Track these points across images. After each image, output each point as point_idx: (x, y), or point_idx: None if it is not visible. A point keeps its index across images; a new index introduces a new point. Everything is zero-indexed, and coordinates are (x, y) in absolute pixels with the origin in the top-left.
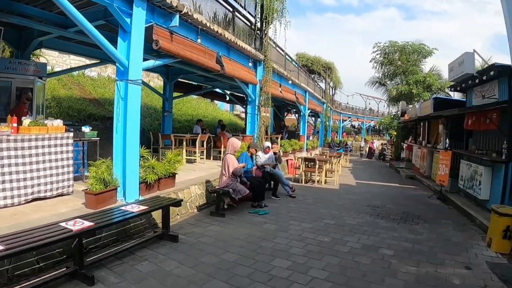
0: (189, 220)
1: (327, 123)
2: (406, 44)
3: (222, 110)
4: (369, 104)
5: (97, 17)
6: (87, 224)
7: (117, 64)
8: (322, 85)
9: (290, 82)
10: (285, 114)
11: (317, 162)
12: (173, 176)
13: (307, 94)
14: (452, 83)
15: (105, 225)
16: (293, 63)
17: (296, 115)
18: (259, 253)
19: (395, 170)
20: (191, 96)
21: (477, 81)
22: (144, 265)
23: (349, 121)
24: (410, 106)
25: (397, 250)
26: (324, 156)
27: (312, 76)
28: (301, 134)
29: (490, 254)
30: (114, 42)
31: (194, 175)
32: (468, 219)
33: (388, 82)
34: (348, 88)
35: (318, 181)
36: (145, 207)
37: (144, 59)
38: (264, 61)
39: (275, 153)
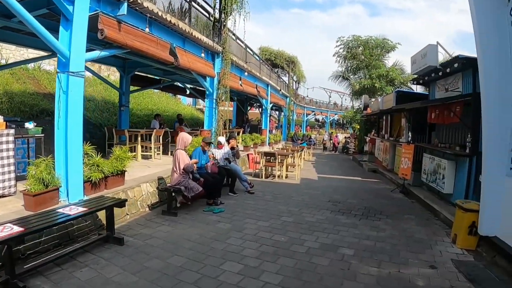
0: (139, 220)
1: (291, 117)
2: (370, 39)
3: (185, 104)
4: (331, 97)
5: (39, 5)
6: (16, 229)
7: (58, 55)
8: (286, 79)
9: (246, 74)
10: (249, 108)
11: (278, 156)
12: (122, 173)
13: (269, 87)
14: (414, 76)
15: (36, 230)
16: (255, 56)
17: (260, 109)
18: (209, 255)
19: (358, 163)
20: (152, 91)
21: (440, 73)
22: (84, 272)
23: (313, 115)
24: (373, 99)
25: (358, 249)
26: (286, 150)
27: (276, 70)
28: (263, 128)
29: (455, 251)
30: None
31: (148, 172)
32: (432, 213)
33: (351, 76)
34: (313, 83)
35: (278, 176)
36: (84, 209)
37: (90, 50)
38: (222, 53)
39: (233, 148)
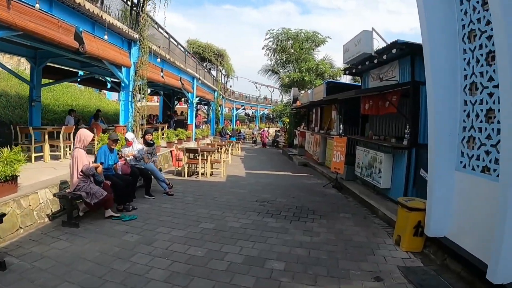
0: (34, 234)
1: (219, 111)
2: (300, 32)
3: (110, 99)
4: (260, 90)
5: None
6: None
7: None
8: (215, 73)
9: (169, 65)
10: (177, 103)
11: (201, 152)
12: (12, 179)
13: (195, 80)
14: (347, 66)
15: None
16: (180, 47)
17: (187, 103)
18: (106, 280)
19: (288, 157)
20: (74, 85)
21: (376, 61)
22: None
23: (243, 109)
24: (302, 92)
25: (289, 262)
26: (211, 146)
27: (205, 64)
28: (189, 122)
29: (400, 255)
30: None
31: (53, 175)
32: (369, 210)
33: (280, 70)
34: (243, 78)
35: (202, 174)
36: None
37: None
38: (139, 41)
39: (150, 145)
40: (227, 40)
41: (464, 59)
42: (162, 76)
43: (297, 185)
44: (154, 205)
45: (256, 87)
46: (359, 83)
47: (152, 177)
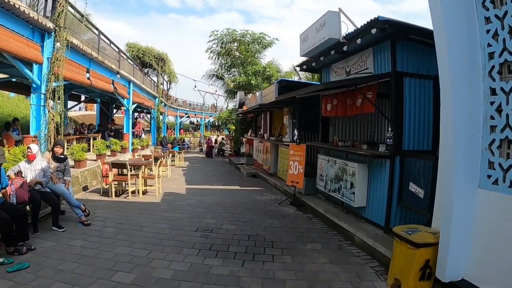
0: None
1: (161, 119)
2: (245, 33)
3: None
4: (202, 97)
5: None
6: None
7: None
8: (156, 79)
9: (97, 65)
10: (120, 112)
11: (129, 167)
12: None
13: (131, 85)
14: (298, 63)
15: None
16: (113, 46)
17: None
18: None
19: (235, 167)
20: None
21: (345, 48)
22: None
23: (187, 117)
24: (249, 95)
25: None
26: (146, 158)
27: (146, 70)
28: (125, 132)
29: None
30: None
31: None
32: (341, 235)
33: (225, 75)
34: (188, 86)
35: (134, 193)
36: None
37: None
38: (55, 32)
39: (60, 160)
40: (173, 49)
41: (488, 31)
42: (89, 78)
43: (247, 203)
44: (60, 242)
45: (201, 94)
46: (319, 82)
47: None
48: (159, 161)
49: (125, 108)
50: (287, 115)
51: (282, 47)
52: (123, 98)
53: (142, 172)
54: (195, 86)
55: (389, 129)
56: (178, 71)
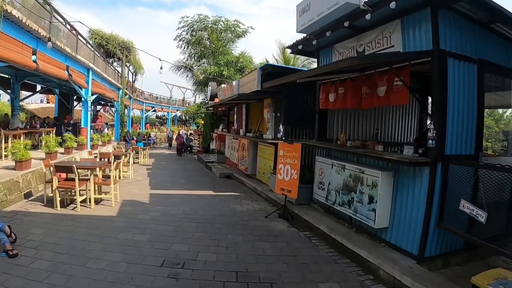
0: None
1: (125, 112)
2: (218, 20)
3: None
4: (170, 91)
5: None
6: None
7: None
8: (121, 69)
9: (48, 46)
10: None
11: (78, 170)
12: None
13: (91, 73)
14: (298, 41)
15: None
16: (68, 26)
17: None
18: None
19: (205, 166)
20: None
21: (368, 16)
22: None
23: (153, 111)
24: (223, 85)
25: None
26: (101, 157)
27: (111, 61)
28: (82, 126)
29: None
30: None
31: None
32: (357, 264)
33: (195, 67)
34: (155, 79)
35: (84, 202)
36: None
37: None
38: None
39: None
40: (140, 43)
41: None
42: (35, 61)
43: (226, 215)
44: None
45: (168, 87)
46: (303, 70)
47: None
48: (115, 162)
49: (82, 99)
50: (268, 108)
51: (252, 44)
52: (80, 88)
53: (96, 176)
54: (161, 68)
55: (430, 125)
56: (146, 65)
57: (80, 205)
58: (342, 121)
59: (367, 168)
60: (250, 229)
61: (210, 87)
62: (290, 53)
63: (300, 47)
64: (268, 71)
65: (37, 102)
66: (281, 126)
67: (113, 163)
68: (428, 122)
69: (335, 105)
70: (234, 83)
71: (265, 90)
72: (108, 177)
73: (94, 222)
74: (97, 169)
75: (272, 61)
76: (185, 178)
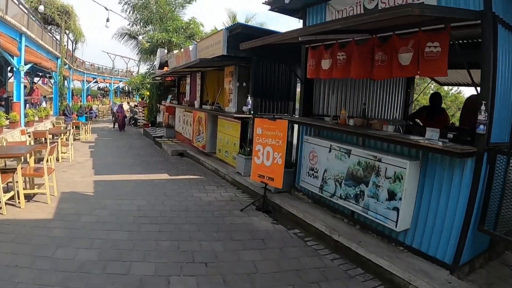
0: None
1: (65, 84)
2: None
3: None
4: (112, 61)
5: None
6: None
7: None
8: (60, 37)
9: None
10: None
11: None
12: None
13: (23, 38)
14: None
15: None
16: None
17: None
18: None
19: (153, 142)
20: None
21: None
22: None
23: (95, 82)
24: (175, 52)
25: None
26: (35, 137)
27: (49, 28)
28: (15, 100)
29: None
30: None
31: None
32: (378, 278)
33: (140, 35)
34: (96, 48)
35: (13, 199)
36: None
37: None
38: None
39: None
40: (85, 13)
41: None
42: None
43: (192, 211)
44: None
45: (110, 57)
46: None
47: None
48: (50, 146)
49: (14, 69)
50: (230, 76)
51: (198, 13)
52: (12, 56)
53: (26, 163)
54: (107, 20)
55: (482, 104)
56: (87, 33)
57: (6, 205)
58: (328, 94)
59: (385, 155)
60: (227, 229)
61: (159, 55)
62: (270, 9)
63: (287, 1)
64: (236, 33)
65: None
66: (249, 97)
67: (49, 144)
68: (483, 104)
69: (330, 74)
70: (190, 47)
71: (232, 55)
72: (40, 168)
73: (24, 230)
74: (28, 155)
75: None
76: (133, 158)
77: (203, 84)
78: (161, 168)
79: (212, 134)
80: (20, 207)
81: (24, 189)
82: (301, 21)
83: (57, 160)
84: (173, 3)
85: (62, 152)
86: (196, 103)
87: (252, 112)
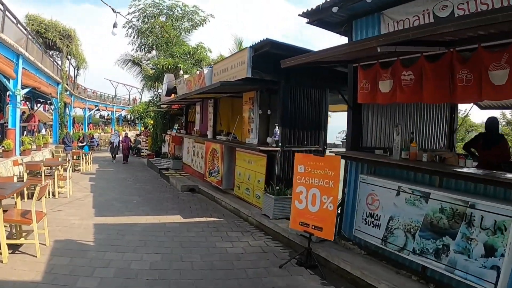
0: None
1: (66, 111)
2: (175, 5)
3: None
4: (115, 88)
5: None
6: None
7: None
8: (61, 62)
9: None
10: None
11: None
12: None
13: (21, 60)
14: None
15: None
16: None
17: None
18: None
19: (159, 174)
20: None
21: None
22: None
23: (97, 110)
24: (186, 76)
25: None
26: (27, 169)
27: (51, 53)
28: (10, 126)
29: None
30: None
31: None
32: None
33: (144, 61)
34: (98, 74)
35: None
36: None
37: None
38: None
39: None
40: (87, 41)
41: None
42: None
43: (219, 269)
44: None
45: (113, 85)
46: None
47: None
48: (39, 188)
49: (10, 92)
50: (250, 103)
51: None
52: (7, 78)
53: (14, 206)
54: (114, 26)
55: None
56: (90, 62)
57: None
58: (376, 122)
59: (481, 200)
60: None
61: (166, 80)
62: (308, 23)
63: (334, 9)
64: (263, 52)
65: None
66: (276, 127)
67: (43, 178)
68: None
69: (392, 97)
70: (205, 70)
71: (258, 79)
72: (25, 216)
73: None
74: (15, 195)
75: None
76: (139, 193)
77: (216, 112)
78: (172, 207)
79: (229, 168)
80: (1, 261)
81: (8, 238)
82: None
83: (54, 195)
84: (179, 27)
85: (59, 187)
86: (209, 133)
87: (280, 143)
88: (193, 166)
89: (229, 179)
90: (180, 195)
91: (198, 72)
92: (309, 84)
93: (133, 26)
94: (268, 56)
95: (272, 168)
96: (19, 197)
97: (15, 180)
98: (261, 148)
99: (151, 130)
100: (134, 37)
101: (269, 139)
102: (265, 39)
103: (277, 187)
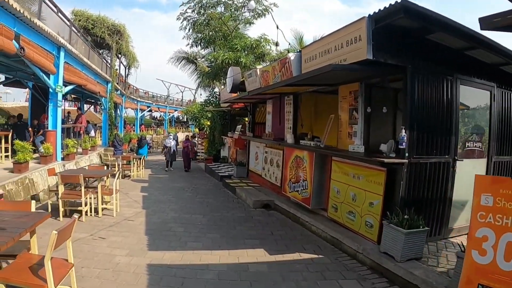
0: None
1: (117, 111)
2: None
3: None
4: (167, 89)
5: None
6: None
7: None
8: (111, 59)
9: None
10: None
11: None
12: None
13: (62, 53)
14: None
15: None
16: None
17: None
18: None
19: (221, 182)
20: None
21: None
22: None
23: (149, 111)
24: (259, 67)
25: None
26: (63, 181)
27: (101, 51)
28: (50, 128)
29: None
30: None
31: None
32: None
33: (199, 58)
34: (148, 74)
35: None
36: None
37: None
38: None
39: None
40: (135, 44)
41: None
42: None
43: None
44: None
45: (165, 85)
46: None
47: None
48: (52, 235)
49: (50, 88)
50: (350, 99)
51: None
52: (45, 73)
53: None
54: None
55: None
56: (141, 62)
57: None
58: None
59: None
60: None
61: (231, 74)
62: (484, 29)
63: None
64: (383, 25)
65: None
66: (403, 131)
67: (83, 193)
68: None
69: None
70: (291, 56)
71: (382, 62)
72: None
73: None
74: (28, 233)
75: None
76: (202, 211)
77: (297, 112)
78: (249, 234)
79: (320, 182)
80: None
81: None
82: None
83: (96, 213)
84: (238, 18)
85: (104, 202)
86: (289, 137)
87: (406, 152)
88: (264, 175)
89: (320, 197)
90: (254, 214)
91: (279, 59)
92: (440, 70)
93: (189, 18)
94: (390, 31)
95: (393, 187)
96: (35, 240)
97: (33, 207)
98: (379, 159)
99: (207, 132)
100: (189, 30)
101: (383, 147)
102: (396, 2)
103: (406, 216)
